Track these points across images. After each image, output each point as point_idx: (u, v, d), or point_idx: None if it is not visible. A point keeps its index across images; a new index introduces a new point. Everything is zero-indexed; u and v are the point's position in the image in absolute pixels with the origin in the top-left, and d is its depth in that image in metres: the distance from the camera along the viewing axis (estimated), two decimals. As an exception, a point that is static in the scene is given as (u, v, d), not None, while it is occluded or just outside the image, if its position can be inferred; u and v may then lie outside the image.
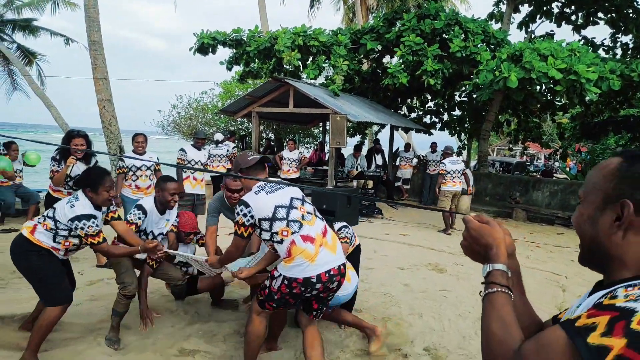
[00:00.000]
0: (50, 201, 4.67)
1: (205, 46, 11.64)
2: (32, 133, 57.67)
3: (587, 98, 8.70)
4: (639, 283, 0.75)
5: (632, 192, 0.84)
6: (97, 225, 3.01)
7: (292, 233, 2.44)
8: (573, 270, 5.97)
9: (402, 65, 10.33)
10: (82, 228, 2.95)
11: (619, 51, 13.44)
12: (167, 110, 16.23)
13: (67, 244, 3.08)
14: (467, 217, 1.01)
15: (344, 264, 2.56)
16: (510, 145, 23.43)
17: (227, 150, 9.05)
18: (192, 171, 6.24)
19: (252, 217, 2.51)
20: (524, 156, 26.27)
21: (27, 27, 19.53)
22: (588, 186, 0.92)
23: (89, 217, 2.96)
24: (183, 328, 3.56)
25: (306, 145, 17.68)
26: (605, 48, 13.48)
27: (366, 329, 3.25)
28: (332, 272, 2.44)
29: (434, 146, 11.40)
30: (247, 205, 2.51)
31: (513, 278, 1.01)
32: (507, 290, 0.90)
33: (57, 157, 4.63)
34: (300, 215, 2.52)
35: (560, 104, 13.09)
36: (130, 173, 5.48)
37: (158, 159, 5.76)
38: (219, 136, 9.78)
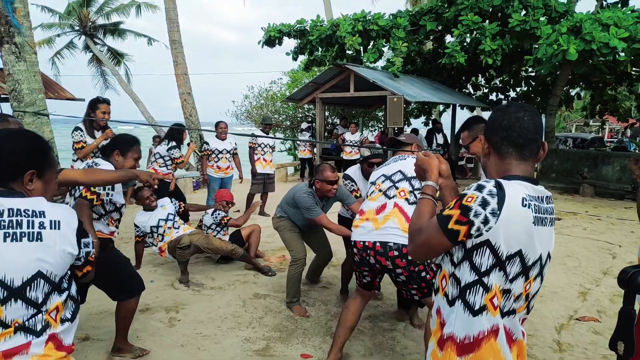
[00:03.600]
0: None
1: (272, 39, 12.40)
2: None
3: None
4: (482, 182, 1.26)
5: (486, 132, 1.38)
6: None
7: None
8: (629, 241, 6.04)
9: (460, 45, 10.43)
10: None
11: None
12: (240, 100, 17.44)
13: (112, 221, 2.77)
14: (416, 153, 1.56)
15: (385, 243, 2.49)
16: (587, 120, 22.08)
17: (309, 137, 10.56)
18: (263, 153, 7.10)
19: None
20: (606, 132, 24.61)
21: (115, 30, 21.76)
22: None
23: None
24: (255, 277, 4.34)
25: (370, 129, 18.11)
26: (691, 10, 12.45)
27: None
28: (366, 244, 2.57)
29: None
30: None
31: (450, 191, 1.57)
32: (431, 198, 1.45)
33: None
34: (371, 191, 2.74)
35: (637, 74, 12.36)
36: (213, 155, 6.46)
37: (236, 144, 6.65)
38: (304, 125, 11.25)
